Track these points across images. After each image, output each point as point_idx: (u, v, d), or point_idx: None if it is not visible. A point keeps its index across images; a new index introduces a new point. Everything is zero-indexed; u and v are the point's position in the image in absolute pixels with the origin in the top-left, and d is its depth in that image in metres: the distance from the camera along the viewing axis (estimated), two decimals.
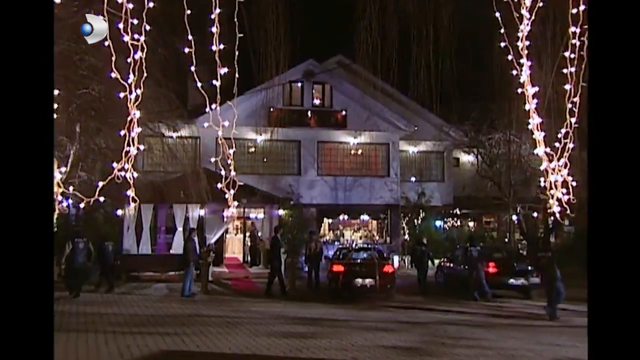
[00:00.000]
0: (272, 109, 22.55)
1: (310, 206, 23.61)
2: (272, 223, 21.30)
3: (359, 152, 25.20)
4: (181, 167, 19.17)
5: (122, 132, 4.60)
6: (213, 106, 5.13)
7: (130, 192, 4.58)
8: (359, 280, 14.59)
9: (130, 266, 18.71)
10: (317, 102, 25.12)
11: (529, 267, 15.53)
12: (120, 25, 4.62)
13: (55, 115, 3.78)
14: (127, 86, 4.54)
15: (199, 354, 8.02)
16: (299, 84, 24.45)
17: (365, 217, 25.82)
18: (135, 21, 4.77)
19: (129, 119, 4.57)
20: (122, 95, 4.61)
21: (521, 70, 4.57)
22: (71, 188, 4.58)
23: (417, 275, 16.87)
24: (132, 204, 4.54)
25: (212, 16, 4.88)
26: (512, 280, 15.15)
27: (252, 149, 24.12)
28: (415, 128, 25.14)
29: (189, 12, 5.06)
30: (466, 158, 26.87)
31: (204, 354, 8.02)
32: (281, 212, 21.62)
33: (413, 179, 25.34)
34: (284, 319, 11.51)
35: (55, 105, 4.39)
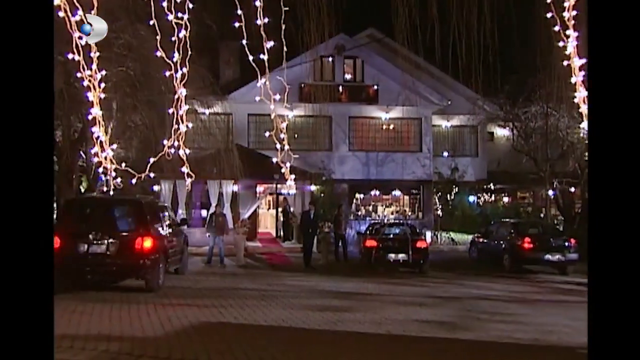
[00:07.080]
0: (303, 85, 22.49)
1: (342, 181, 23.65)
2: (305, 199, 21.46)
3: (391, 127, 24.99)
4: (214, 143, 19.39)
5: (171, 110, 4.68)
6: (262, 80, 5.14)
7: (185, 169, 4.76)
8: (392, 255, 14.67)
9: None
10: (348, 77, 24.91)
11: (566, 243, 15.28)
12: (165, 4, 4.61)
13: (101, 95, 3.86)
14: (172, 64, 4.58)
15: (236, 326, 8.23)
16: (330, 59, 24.25)
17: (397, 192, 25.74)
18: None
19: (175, 97, 4.67)
20: (167, 73, 4.66)
21: (567, 42, 4.42)
22: (123, 164, 4.69)
23: None
24: (188, 180, 4.68)
25: None
26: (548, 256, 14.94)
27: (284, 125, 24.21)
28: (449, 102, 24.73)
29: None
30: (501, 132, 26.35)
31: (242, 326, 8.22)
32: (313, 187, 21.73)
33: (445, 154, 25.00)
34: (318, 292, 11.67)
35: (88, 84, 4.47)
